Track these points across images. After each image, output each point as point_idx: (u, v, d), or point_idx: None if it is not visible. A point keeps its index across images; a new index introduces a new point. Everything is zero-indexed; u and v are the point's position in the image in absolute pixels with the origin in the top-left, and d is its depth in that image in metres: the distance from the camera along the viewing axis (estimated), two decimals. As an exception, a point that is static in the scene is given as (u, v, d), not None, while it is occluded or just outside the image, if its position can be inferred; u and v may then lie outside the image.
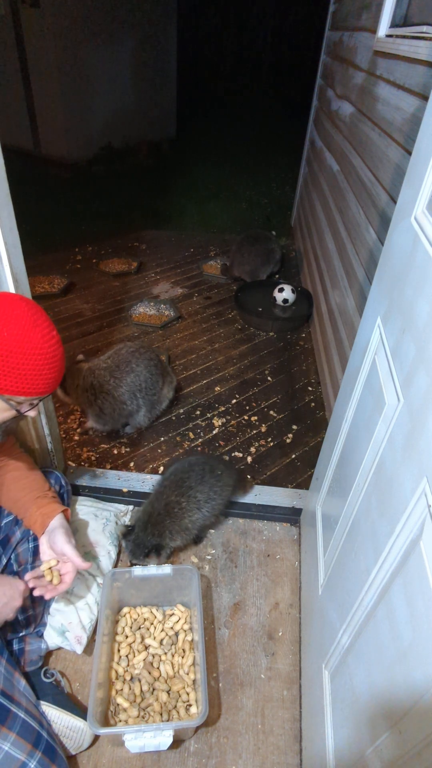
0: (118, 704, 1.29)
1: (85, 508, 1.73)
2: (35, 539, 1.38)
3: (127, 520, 1.83)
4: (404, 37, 1.65)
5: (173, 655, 1.41)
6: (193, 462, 1.69)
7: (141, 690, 1.33)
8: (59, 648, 1.43)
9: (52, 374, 1.03)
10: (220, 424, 2.29)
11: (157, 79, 6.05)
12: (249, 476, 2.03)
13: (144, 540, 1.52)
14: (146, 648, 1.42)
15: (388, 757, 0.74)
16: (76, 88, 5.24)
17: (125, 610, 1.51)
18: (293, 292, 3.09)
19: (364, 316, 1.14)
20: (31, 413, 1.10)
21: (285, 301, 3.10)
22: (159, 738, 1.15)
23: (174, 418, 2.33)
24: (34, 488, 1.35)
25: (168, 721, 1.27)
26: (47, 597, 1.22)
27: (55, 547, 1.26)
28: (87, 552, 1.58)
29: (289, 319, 3.06)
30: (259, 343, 2.92)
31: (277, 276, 3.58)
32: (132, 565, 1.58)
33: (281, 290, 3.09)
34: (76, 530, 1.63)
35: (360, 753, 0.85)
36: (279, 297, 3.10)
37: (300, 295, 3.17)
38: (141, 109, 6.04)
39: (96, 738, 1.29)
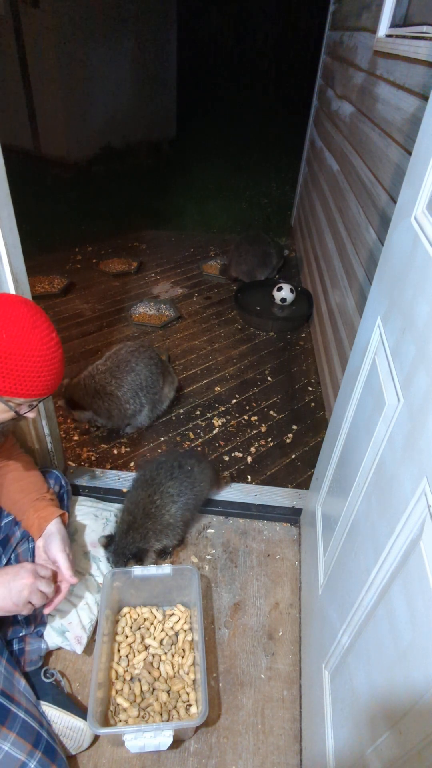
0: (118, 704, 1.29)
1: (85, 508, 1.73)
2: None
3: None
4: (404, 37, 1.65)
5: (173, 655, 1.41)
6: (161, 461, 1.70)
7: (141, 690, 1.33)
8: (59, 648, 1.43)
9: (51, 376, 1.03)
10: (220, 424, 2.29)
11: (157, 78, 6.05)
12: (249, 476, 2.03)
13: (124, 547, 1.51)
14: (146, 648, 1.42)
15: (388, 757, 0.74)
16: (76, 88, 5.25)
17: (125, 610, 1.51)
18: (292, 291, 3.09)
19: (364, 316, 1.14)
20: (30, 414, 1.10)
21: (283, 300, 3.10)
22: (159, 738, 1.15)
23: (174, 418, 2.33)
24: (32, 490, 1.35)
25: (168, 721, 1.27)
26: (46, 612, 1.23)
27: (49, 553, 1.26)
28: (86, 552, 1.58)
29: (289, 319, 3.06)
30: (259, 343, 2.92)
31: (277, 276, 3.58)
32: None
33: (279, 289, 3.10)
34: (75, 530, 1.63)
35: (360, 753, 0.85)
36: (277, 296, 3.11)
37: (300, 295, 3.17)
38: (141, 109, 6.04)
39: (96, 738, 1.29)
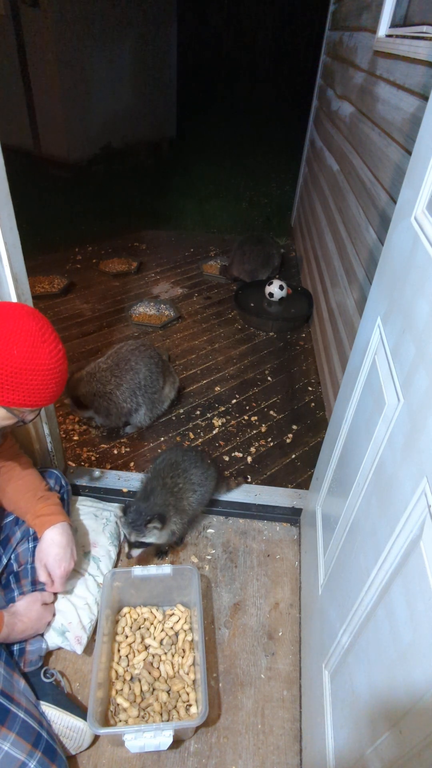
0: (118, 704, 1.29)
1: (85, 508, 1.73)
2: (35, 539, 1.38)
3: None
4: (404, 37, 1.65)
5: (173, 655, 1.41)
6: (185, 449, 1.73)
7: (141, 690, 1.33)
8: (59, 648, 1.42)
9: (58, 387, 1.08)
10: (220, 424, 2.29)
11: (157, 78, 6.05)
12: (249, 476, 2.03)
13: (145, 509, 1.44)
14: (146, 648, 1.42)
15: (388, 757, 0.74)
16: (76, 88, 5.24)
17: (125, 610, 1.51)
18: (281, 289, 3.12)
19: (364, 316, 1.14)
20: (31, 416, 1.13)
21: (270, 295, 3.14)
22: (159, 738, 1.15)
23: (174, 418, 2.33)
24: (30, 489, 1.38)
25: (168, 721, 1.27)
26: None
27: (47, 564, 1.32)
28: (87, 552, 1.58)
29: (289, 319, 3.06)
30: (259, 343, 2.92)
31: (277, 276, 3.58)
32: (129, 555, 1.53)
33: (270, 284, 3.15)
34: (75, 530, 1.63)
35: (360, 753, 0.85)
36: (266, 290, 3.17)
37: (300, 295, 3.18)
38: (141, 109, 6.04)
39: (96, 738, 1.29)
